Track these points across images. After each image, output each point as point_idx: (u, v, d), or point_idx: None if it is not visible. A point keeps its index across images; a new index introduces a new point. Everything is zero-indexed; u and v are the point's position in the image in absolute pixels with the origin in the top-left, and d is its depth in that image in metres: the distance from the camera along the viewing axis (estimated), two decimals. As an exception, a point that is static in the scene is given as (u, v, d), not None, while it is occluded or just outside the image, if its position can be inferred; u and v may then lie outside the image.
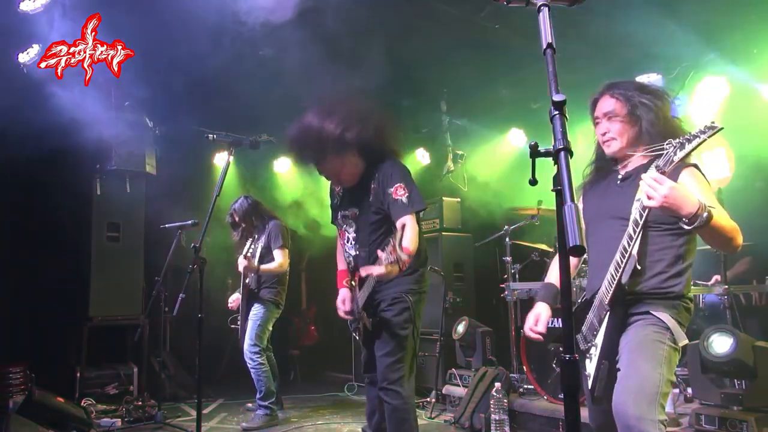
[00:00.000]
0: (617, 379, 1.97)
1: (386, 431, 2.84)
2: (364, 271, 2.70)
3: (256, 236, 4.77)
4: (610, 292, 1.98)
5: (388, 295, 2.81)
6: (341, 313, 2.98)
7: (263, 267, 4.54)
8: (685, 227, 1.82)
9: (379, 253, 2.41)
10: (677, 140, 1.77)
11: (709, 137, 1.71)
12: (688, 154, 1.76)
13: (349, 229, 2.96)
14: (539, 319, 2.21)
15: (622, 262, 1.93)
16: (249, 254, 4.43)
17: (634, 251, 1.92)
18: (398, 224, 2.64)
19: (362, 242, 2.88)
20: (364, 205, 2.87)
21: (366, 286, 2.79)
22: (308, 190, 7.36)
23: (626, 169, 2.22)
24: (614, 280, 1.96)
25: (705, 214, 1.77)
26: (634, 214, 1.92)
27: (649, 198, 1.79)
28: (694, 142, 1.72)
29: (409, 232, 2.59)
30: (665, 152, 1.78)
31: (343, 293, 2.97)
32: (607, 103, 2.20)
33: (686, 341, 2.03)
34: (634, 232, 1.90)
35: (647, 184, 1.79)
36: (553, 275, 2.39)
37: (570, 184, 1.18)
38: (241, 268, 4.48)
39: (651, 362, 1.93)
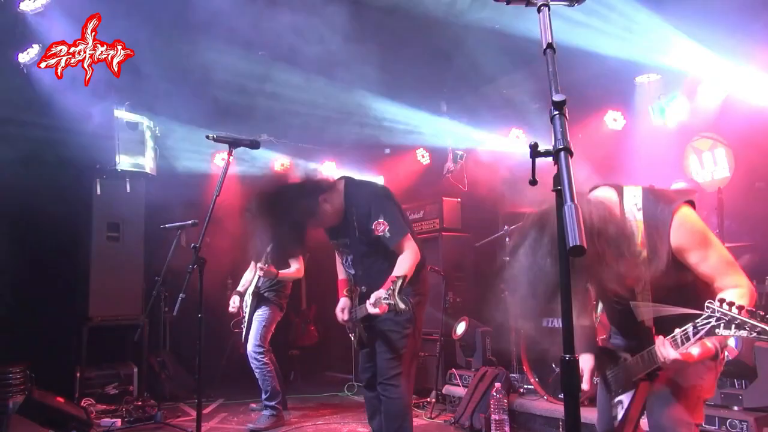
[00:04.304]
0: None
1: None
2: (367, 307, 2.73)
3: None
4: (640, 374, 1.92)
5: None
6: (339, 319, 3.16)
7: (283, 272, 4.61)
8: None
9: (373, 295, 2.62)
10: (723, 313, 1.55)
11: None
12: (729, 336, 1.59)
13: (345, 250, 3.09)
14: (583, 376, 2.01)
15: (654, 362, 1.83)
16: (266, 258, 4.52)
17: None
18: (396, 250, 2.85)
19: (358, 265, 3.02)
20: (351, 235, 2.97)
21: (362, 308, 2.85)
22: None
23: None
24: (645, 369, 1.89)
25: (722, 350, 1.77)
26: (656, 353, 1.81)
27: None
28: (743, 332, 1.52)
29: (402, 260, 2.81)
30: (709, 320, 1.59)
31: (343, 302, 3.14)
32: None
33: (730, 351, 1.99)
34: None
35: (669, 363, 1.72)
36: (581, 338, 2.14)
37: (570, 184, 1.17)
38: (261, 273, 4.55)
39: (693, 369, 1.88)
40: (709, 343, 1.70)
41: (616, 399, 2.06)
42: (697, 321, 1.62)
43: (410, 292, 2.90)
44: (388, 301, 2.53)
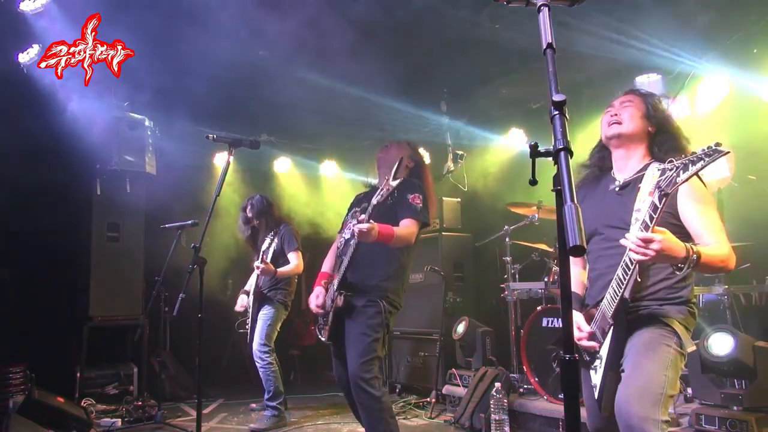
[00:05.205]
0: (621, 379, 1.97)
1: None
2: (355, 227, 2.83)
3: (267, 238, 4.77)
4: (614, 307, 1.98)
5: (364, 296, 2.96)
6: (312, 307, 3.12)
7: (281, 270, 4.59)
8: (677, 272, 1.90)
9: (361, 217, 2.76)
10: (681, 160, 1.69)
11: (714, 161, 1.64)
12: (691, 176, 1.69)
13: (353, 221, 3.06)
14: (579, 326, 2.12)
15: (625, 278, 1.92)
16: (264, 257, 4.52)
17: (637, 269, 1.92)
18: (401, 223, 2.91)
19: None
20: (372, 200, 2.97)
21: (347, 252, 2.94)
22: (308, 190, 7.37)
23: (623, 175, 2.21)
24: (617, 295, 1.95)
25: (694, 257, 1.80)
26: (625, 258, 1.91)
27: (636, 253, 1.79)
28: (699, 165, 1.65)
29: (403, 230, 2.90)
30: (668, 171, 1.72)
31: (318, 290, 3.13)
32: (627, 95, 2.27)
33: (693, 347, 2.02)
34: (631, 262, 1.89)
35: (634, 245, 1.78)
36: (573, 285, 2.32)
37: (570, 184, 1.17)
38: (258, 272, 4.52)
39: (657, 364, 1.92)
40: (683, 244, 1.81)
41: (597, 356, 2.08)
42: (659, 180, 1.75)
43: (387, 298, 2.96)
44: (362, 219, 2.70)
